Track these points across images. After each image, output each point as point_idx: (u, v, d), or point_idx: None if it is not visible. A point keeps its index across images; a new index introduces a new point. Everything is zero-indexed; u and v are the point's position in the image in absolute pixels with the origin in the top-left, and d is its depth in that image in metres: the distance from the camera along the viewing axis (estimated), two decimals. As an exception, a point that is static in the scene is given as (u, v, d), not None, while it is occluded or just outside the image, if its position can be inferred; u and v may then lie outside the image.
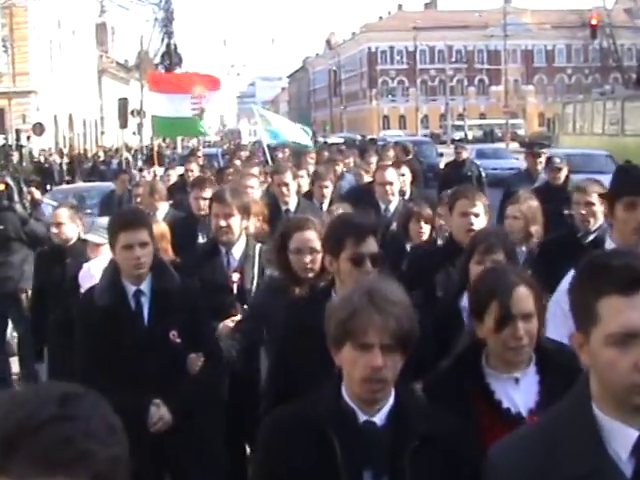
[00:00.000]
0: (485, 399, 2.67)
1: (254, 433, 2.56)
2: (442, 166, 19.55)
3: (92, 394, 1.19)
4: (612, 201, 3.91)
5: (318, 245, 3.86)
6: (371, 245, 3.20)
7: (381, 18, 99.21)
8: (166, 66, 40.06)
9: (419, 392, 2.74)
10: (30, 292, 7.03)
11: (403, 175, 7.55)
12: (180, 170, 11.38)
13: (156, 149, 15.79)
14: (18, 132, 38.04)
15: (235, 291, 4.75)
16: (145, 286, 4.02)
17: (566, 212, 5.91)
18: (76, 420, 1.13)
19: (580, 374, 1.85)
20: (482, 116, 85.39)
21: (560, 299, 3.13)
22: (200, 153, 16.89)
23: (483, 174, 14.31)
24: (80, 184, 21.32)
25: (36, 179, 14.14)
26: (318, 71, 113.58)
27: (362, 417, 2.30)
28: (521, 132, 67.08)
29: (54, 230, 6.29)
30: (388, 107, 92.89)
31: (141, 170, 16.42)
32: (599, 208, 5.08)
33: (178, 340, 3.99)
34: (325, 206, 7.19)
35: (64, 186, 21.25)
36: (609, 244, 3.90)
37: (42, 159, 31.38)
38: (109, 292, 4.01)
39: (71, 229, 6.20)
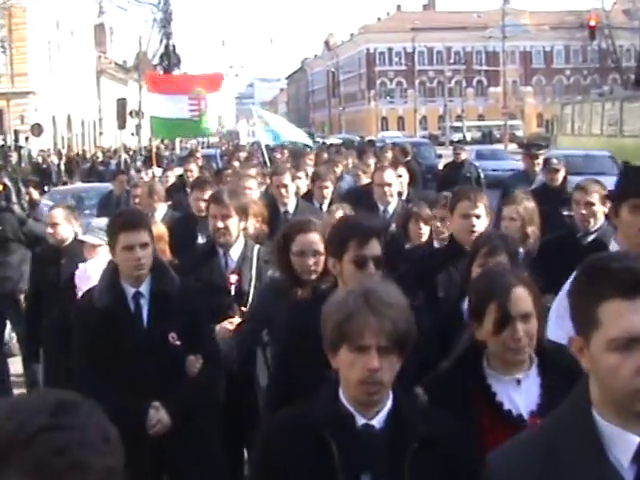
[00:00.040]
0: (486, 400, 2.66)
1: (251, 434, 2.55)
2: (441, 167, 19.52)
3: (87, 402, 1.17)
4: (617, 203, 3.85)
5: (321, 247, 3.85)
6: (374, 248, 3.18)
7: (379, 19, 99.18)
8: (165, 67, 39.97)
9: (422, 397, 2.73)
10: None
11: (400, 176, 7.54)
12: (178, 171, 11.35)
13: (154, 150, 15.81)
14: (16, 133, 38.02)
15: (233, 292, 4.73)
16: (144, 288, 4.01)
17: (565, 213, 5.89)
18: (70, 430, 1.11)
19: (582, 376, 1.81)
20: (481, 117, 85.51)
21: (563, 301, 3.11)
22: (199, 154, 16.88)
23: (482, 175, 14.31)
24: (78, 185, 21.23)
25: (34, 180, 14.09)
26: (316, 72, 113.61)
27: (360, 420, 2.28)
28: (519, 133, 67.09)
29: (49, 230, 6.28)
30: (386, 108, 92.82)
31: (139, 171, 16.42)
32: (599, 208, 5.05)
33: (177, 342, 3.97)
34: (325, 207, 7.16)
35: (62, 187, 21.19)
36: (613, 246, 3.86)
37: (40, 160, 31.33)
38: (108, 294, 3.99)
39: (66, 229, 6.19)
